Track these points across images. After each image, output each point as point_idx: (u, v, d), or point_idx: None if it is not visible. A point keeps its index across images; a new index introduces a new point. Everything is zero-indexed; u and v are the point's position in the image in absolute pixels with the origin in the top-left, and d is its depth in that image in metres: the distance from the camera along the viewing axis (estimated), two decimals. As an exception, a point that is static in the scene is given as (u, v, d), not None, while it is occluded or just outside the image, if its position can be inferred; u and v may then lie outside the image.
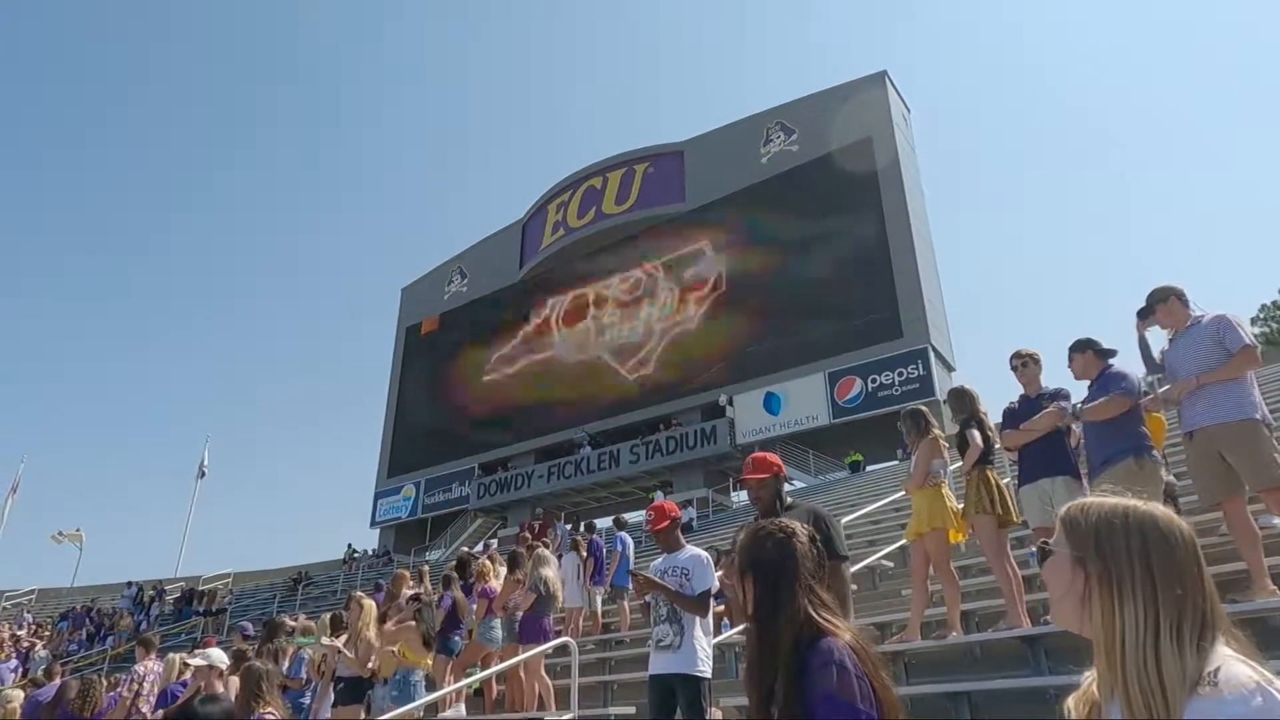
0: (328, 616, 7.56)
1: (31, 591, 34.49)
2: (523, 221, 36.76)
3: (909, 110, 28.83)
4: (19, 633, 21.00)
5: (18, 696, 7.77)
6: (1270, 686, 0.97)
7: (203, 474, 40.89)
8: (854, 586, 7.29)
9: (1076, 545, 1.16)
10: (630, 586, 6.93)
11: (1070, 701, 1.23)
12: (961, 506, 5.14)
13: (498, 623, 7.40)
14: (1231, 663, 1.01)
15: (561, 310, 33.16)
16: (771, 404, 25.36)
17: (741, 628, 4.67)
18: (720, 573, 4.37)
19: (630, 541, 10.83)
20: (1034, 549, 1.28)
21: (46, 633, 21.58)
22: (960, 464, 5.23)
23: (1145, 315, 4.58)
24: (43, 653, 17.60)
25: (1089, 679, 1.19)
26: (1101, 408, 4.56)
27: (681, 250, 30.12)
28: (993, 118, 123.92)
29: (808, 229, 26.68)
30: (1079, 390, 5.04)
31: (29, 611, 28.05)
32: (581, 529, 13.94)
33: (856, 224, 25.59)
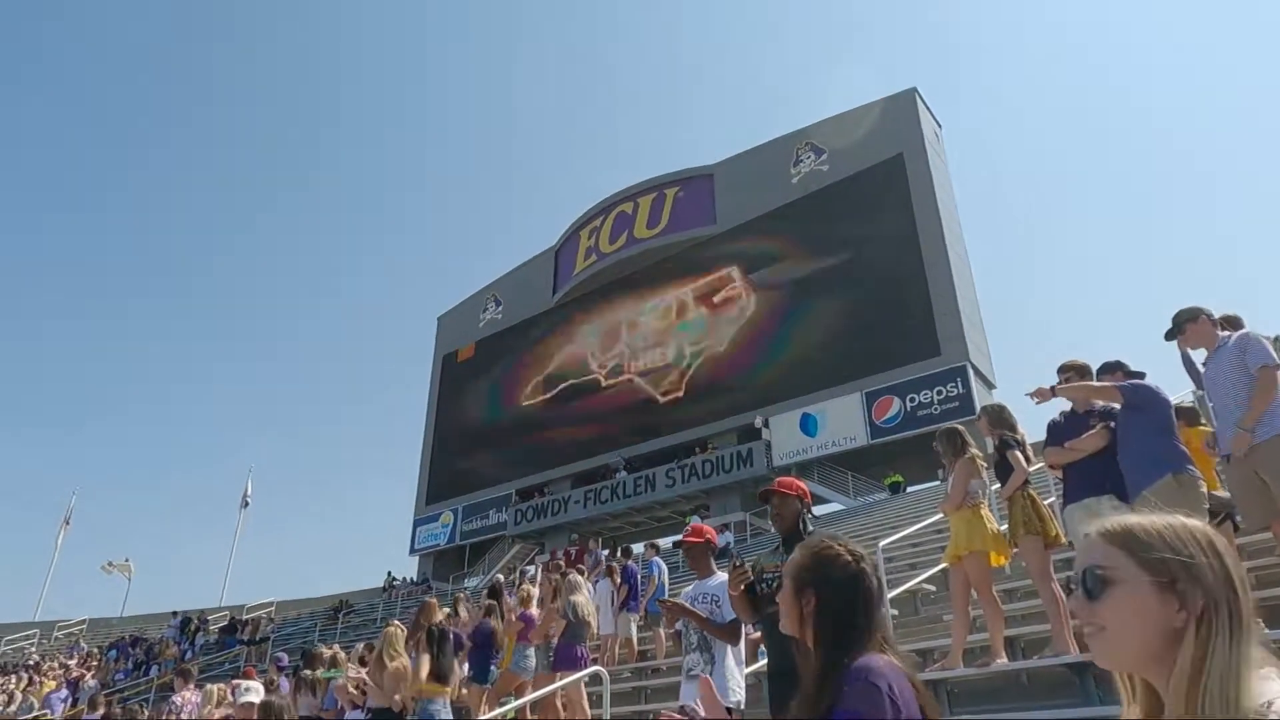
0: (362, 646, 7.57)
1: (82, 621, 35.21)
2: (555, 248, 37.10)
3: (940, 126, 28.62)
4: (69, 662, 21.43)
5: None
6: None
7: (246, 504, 41.65)
8: (894, 612, 7.14)
9: (1159, 569, 0.96)
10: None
11: None
12: (1005, 528, 4.98)
13: (532, 651, 7.34)
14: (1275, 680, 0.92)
15: (595, 335, 33.28)
16: (808, 425, 25.08)
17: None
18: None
19: (665, 567, 10.71)
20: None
21: (95, 662, 21.95)
22: (998, 486, 5.08)
23: (1173, 337, 4.46)
24: (91, 683, 17.91)
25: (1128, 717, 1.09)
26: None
27: (713, 273, 30.10)
28: (1030, 132, 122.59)
29: (840, 248, 26.51)
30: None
31: (84, 641, 28.61)
32: (618, 554, 13.85)
33: (889, 242, 25.36)
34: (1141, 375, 4.64)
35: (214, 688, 7.10)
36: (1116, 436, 4.49)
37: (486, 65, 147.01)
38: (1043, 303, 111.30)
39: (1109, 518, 1.08)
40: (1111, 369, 4.70)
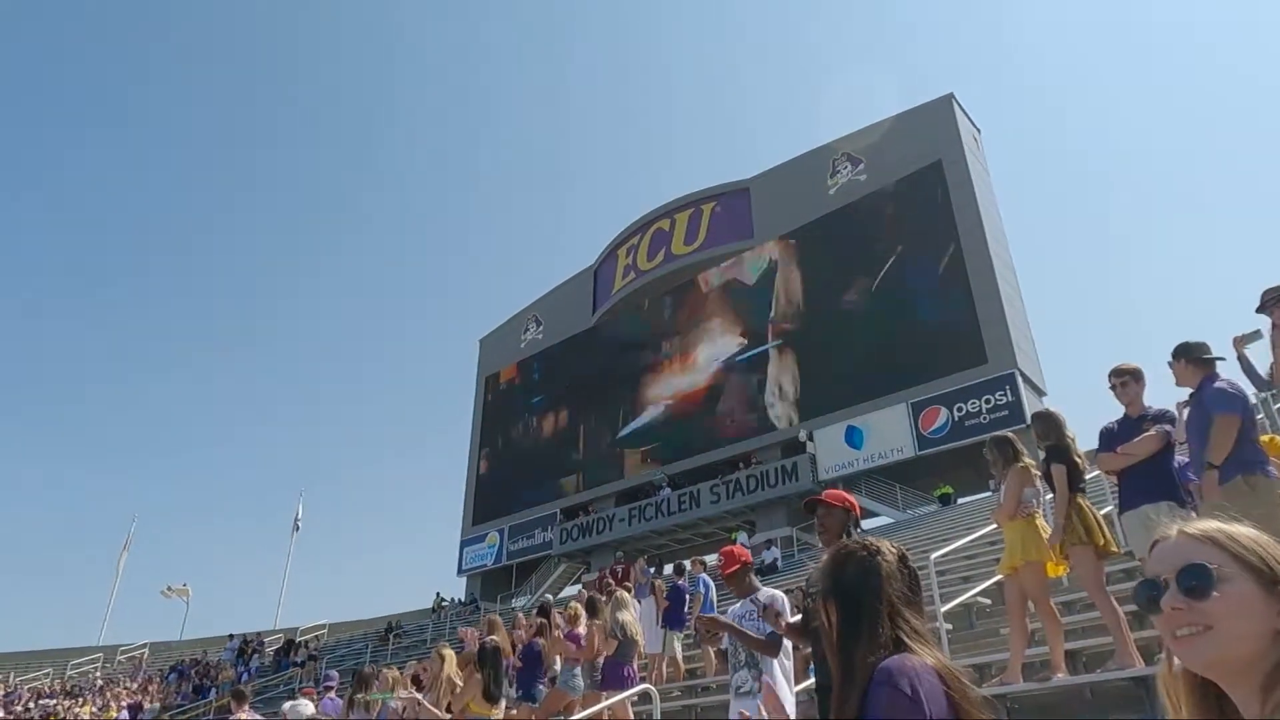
0: (416, 665, 7.62)
1: (144, 645, 36.11)
2: (594, 267, 37.34)
3: (979, 131, 28.23)
4: (131, 685, 21.98)
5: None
6: None
7: (297, 528, 42.46)
8: (948, 626, 6.97)
9: (1259, 568, 0.93)
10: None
11: None
12: (1058, 537, 4.83)
13: (579, 670, 7.32)
14: None
15: (636, 352, 33.33)
16: (854, 438, 24.73)
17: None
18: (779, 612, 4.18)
19: (711, 584, 10.60)
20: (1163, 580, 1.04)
21: (154, 686, 22.46)
22: (1050, 495, 4.94)
23: (1263, 311, 4.27)
24: (150, 705, 18.32)
25: None
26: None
27: (753, 286, 29.98)
28: (1072, 127, 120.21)
29: (881, 257, 26.23)
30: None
31: (145, 665, 29.31)
32: (669, 570, 13.77)
33: (931, 249, 25.02)
34: (1213, 360, 4.42)
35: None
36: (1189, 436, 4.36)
37: (526, 88, 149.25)
38: (1094, 305, 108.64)
39: (1191, 521, 1.04)
40: (1177, 354, 4.41)
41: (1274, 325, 4.51)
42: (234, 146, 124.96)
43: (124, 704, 18.31)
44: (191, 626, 49.56)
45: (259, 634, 30.70)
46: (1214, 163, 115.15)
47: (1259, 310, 4.32)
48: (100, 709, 17.92)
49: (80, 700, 20.52)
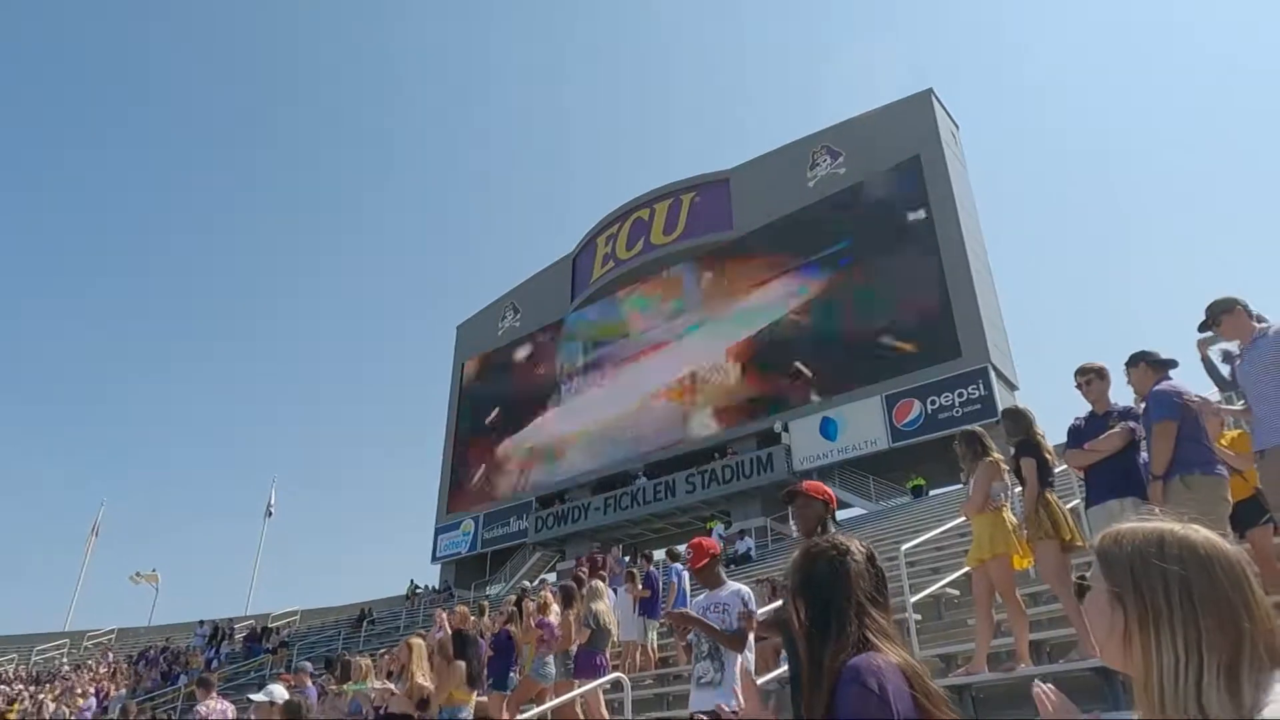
0: (386, 655, 7.60)
1: (112, 631, 35.70)
2: (573, 255, 37.20)
3: (958, 126, 28.43)
4: (98, 671, 21.71)
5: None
6: None
7: (270, 514, 42.08)
8: (917, 617, 7.06)
9: (1113, 580, 1.06)
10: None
11: None
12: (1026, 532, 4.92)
13: (551, 658, 7.35)
14: None
15: (614, 342, 33.29)
16: (828, 429, 24.93)
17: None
18: (758, 609, 4.23)
19: (686, 573, 10.65)
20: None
21: (122, 672, 22.20)
22: (1019, 489, 5.02)
23: (1208, 329, 4.36)
24: (118, 692, 18.11)
25: None
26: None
27: (732, 276, 30.04)
28: (1053, 129, 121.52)
29: (858, 250, 26.38)
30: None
31: (111, 651, 28.97)
32: (639, 560, 13.79)
33: (908, 243, 25.20)
34: (1170, 364, 4.52)
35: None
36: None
37: (511, 75, 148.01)
38: (1067, 301, 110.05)
39: (1109, 528, 1.13)
40: (1135, 360, 4.57)
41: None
42: (209, 132, 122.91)
43: (91, 690, 18.09)
44: (160, 613, 49.05)
45: (230, 620, 30.44)
46: (1190, 161, 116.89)
47: (1201, 329, 4.43)
48: (66, 695, 17.69)
49: (46, 686, 20.25)
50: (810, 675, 1.54)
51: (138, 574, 37.59)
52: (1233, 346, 4.87)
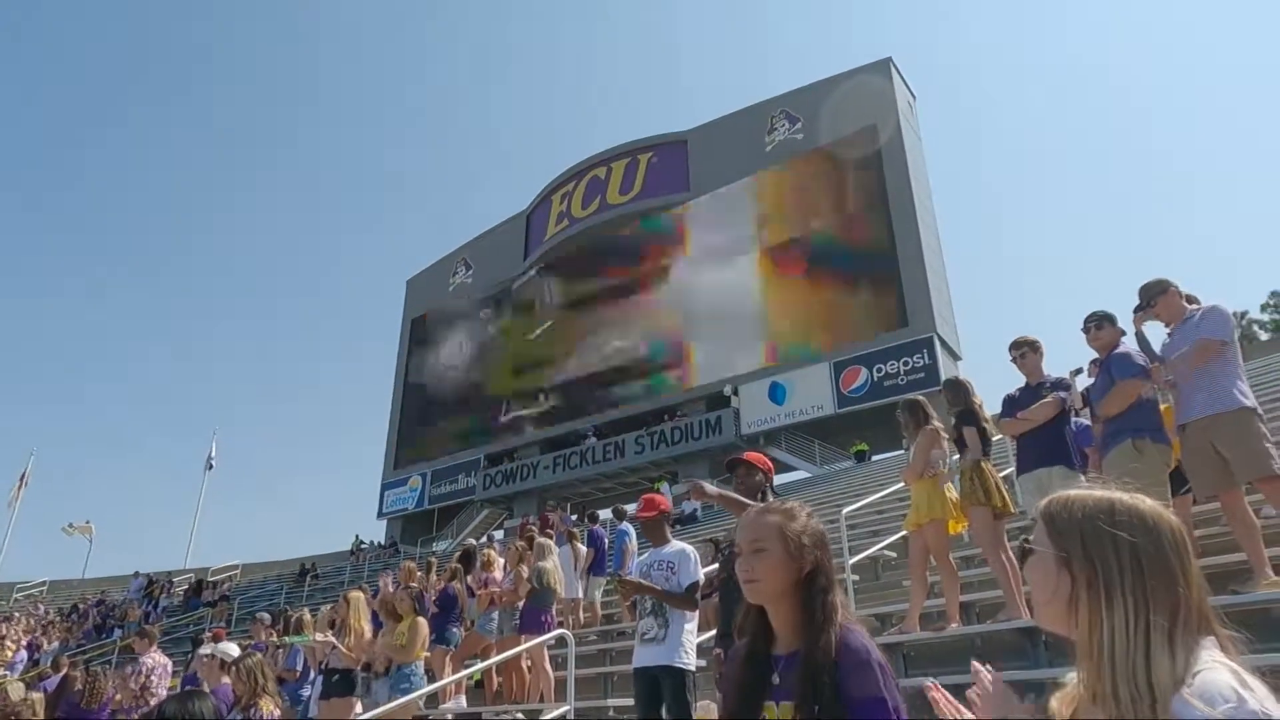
0: (328, 609, 7.58)
1: (43, 583, 34.79)
2: (527, 212, 36.66)
3: (914, 97, 28.58)
4: (29, 623, 21.18)
5: (19, 689, 7.79)
6: (1245, 691, 0.93)
7: (211, 466, 41.25)
8: (855, 578, 7.28)
9: (1061, 544, 1.08)
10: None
11: (1054, 702, 1.18)
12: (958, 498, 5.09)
13: (496, 614, 7.40)
14: (1215, 668, 0.96)
15: (566, 300, 33.09)
16: (777, 394, 25.29)
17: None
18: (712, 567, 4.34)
19: (633, 532, 10.80)
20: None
21: (54, 625, 21.72)
22: (958, 456, 5.18)
23: (1142, 310, 4.51)
24: (50, 645, 17.73)
25: (1073, 679, 1.14)
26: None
27: (686, 239, 29.99)
28: (1003, 104, 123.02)
29: (812, 217, 26.55)
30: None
31: (41, 604, 28.28)
32: (585, 520, 13.96)
33: (861, 212, 25.44)
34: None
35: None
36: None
37: (459, 25, 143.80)
38: (1010, 274, 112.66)
39: (1056, 494, 1.15)
40: (1110, 320, 4.58)
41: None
42: (167, 70, 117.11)
43: (23, 644, 17.65)
44: (95, 565, 47.87)
45: (167, 573, 29.93)
46: (1130, 141, 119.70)
47: (1136, 310, 4.56)
48: (-4, 648, 17.24)
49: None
50: (818, 654, 1.45)
51: (71, 525, 36.62)
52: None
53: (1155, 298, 4.41)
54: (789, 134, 28.63)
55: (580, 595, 9.98)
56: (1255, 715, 0.90)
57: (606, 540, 10.99)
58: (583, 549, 10.34)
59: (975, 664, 1.37)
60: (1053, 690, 1.18)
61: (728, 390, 26.30)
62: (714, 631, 6.29)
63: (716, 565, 7.78)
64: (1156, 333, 4.67)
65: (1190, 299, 4.56)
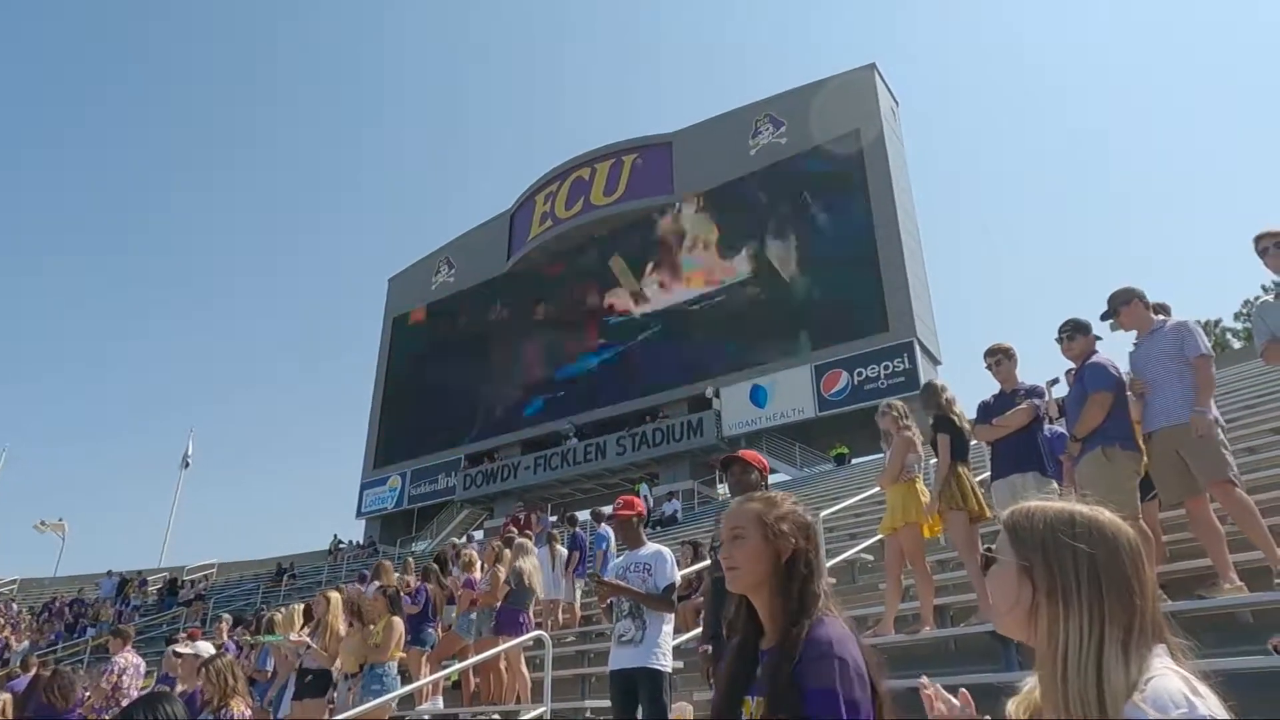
0: (300, 607, 7.51)
1: (13, 581, 34.22)
2: (510, 212, 36.54)
3: (898, 103, 28.81)
4: (0, 619, 20.85)
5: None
6: (1195, 698, 0.96)
7: (187, 464, 40.78)
8: (832, 580, 7.33)
9: (1024, 554, 1.11)
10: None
11: (1011, 706, 1.21)
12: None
13: (475, 615, 7.38)
14: (1167, 675, 1.00)
15: (549, 300, 33.03)
16: (758, 396, 25.38)
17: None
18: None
19: (612, 535, 10.80)
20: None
21: (25, 623, 21.39)
22: (934, 460, 5.23)
23: (1108, 318, 4.57)
24: (20, 645, 17.47)
25: (1030, 684, 1.17)
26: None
27: (668, 242, 30.03)
28: (987, 113, 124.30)
29: (795, 221, 26.69)
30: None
31: (14, 602, 27.83)
32: (565, 522, 13.94)
33: (843, 216, 25.60)
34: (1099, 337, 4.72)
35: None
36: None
37: (443, 25, 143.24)
38: (991, 280, 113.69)
39: (1019, 504, 1.18)
40: (1086, 330, 4.66)
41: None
42: (146, 68, 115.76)
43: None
44: (67, 563, 47.21)
45: (140, 572, 29.55)
46: (1115, 147, 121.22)
47: (1103, 318, 4.62)
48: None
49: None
50: (788, 644, 1.45)
51: (43, 522, 36.07)
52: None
53: (1119, 307, 4.48)
54: (773, 138, 28.75)
55: (561, 596, 9.98)
56: None
57: (587, 542, 10.99)
58: (562, 550, 10.34)
59: (927, 683, 1.39)
60: (1009, 695, 1.21)
61: (709, 392, 26.36)
62: (693, 632, 6.32)
63: (694, 567, 7.82)
64: (1123, 342, 4.74)
65: (1160, 308, 4.63)
